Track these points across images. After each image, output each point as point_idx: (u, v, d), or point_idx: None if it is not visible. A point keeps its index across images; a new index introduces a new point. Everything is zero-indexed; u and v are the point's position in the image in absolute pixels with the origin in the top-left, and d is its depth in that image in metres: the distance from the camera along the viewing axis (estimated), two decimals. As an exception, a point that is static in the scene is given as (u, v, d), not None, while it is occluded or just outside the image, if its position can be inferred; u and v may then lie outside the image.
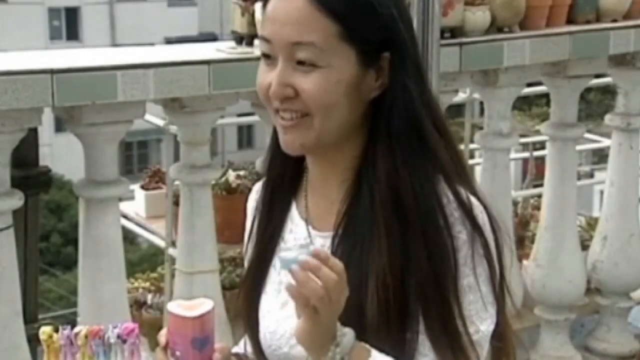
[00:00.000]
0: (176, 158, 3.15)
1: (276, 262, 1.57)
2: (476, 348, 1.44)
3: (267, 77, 1.47)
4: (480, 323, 1.46)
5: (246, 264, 1.66)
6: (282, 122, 1.48)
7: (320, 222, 1.55)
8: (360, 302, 1.43)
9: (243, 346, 1.67)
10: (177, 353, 1.44)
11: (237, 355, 1.62)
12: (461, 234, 1.45)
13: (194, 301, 1.46)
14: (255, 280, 1.58)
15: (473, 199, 1.48)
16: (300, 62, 1.44)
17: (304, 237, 1.56)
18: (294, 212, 1.59)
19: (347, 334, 1.38)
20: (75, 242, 2.96)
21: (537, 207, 4.39)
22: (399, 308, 1.42)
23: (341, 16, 1.43)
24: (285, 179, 1.59)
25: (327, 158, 1.52)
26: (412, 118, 1.47)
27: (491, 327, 1.48)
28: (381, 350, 1.41)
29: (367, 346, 1.41)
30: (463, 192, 1.47)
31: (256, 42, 2.95)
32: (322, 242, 1.53)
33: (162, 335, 1.47)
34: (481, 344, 1.46)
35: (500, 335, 1.52)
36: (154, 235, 4.06)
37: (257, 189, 1.67)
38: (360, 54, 1.46)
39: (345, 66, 1.45)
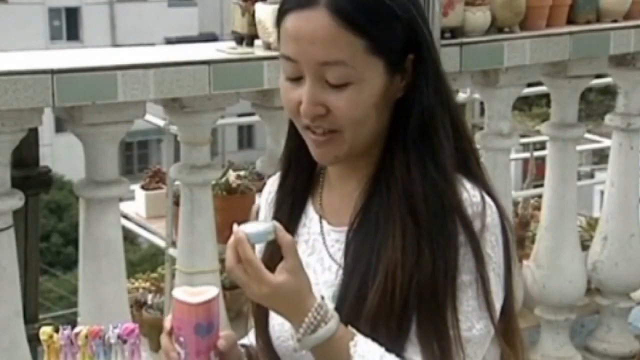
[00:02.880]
0: (176, 158, 3.15)
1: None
2: (466, 345, 1.44)
3: (294, 93, 1.46)
4: (476, 321, 1.45)
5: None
6: (313, 137, 1.48)
7: (336, 217, 1.56)
8: (365, 290, 1.45)
9: (250, 339, 1.67)
10: (181, 339, 1.44)
11: (243, 346, 1.63)
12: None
13: (199, 288, 1.47)
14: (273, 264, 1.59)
15: (487, 198, 1.48)
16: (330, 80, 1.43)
17: (318, 231, 1.57)
18: (309, 208, 1.60)
19: (318, 330, 1.40)
20: (75, 242, 2.96)
21: (538, 208, 4.39)
22: (402, 301, 1.43)
23: (367, 30, 1.42)
24: (302, 176, 1.60)
25: (349, 158, 1.52)
26: (428, 117, 1.47)
27: (490, 327, 1.47)
28: (372, 337, 1.43)
29: (353, 330, 1.42)
30: (477, 191, 1.48)
31: (257, 42, 2.95)
32: (337, 236, 1.54)
33: (167, 321, 1.48)
34: (476, 341, 1.46)
35: (507, 335, 1.53)
36: (154, 236, 4.06)
37: (270, 183, 1.68)
38: (388, 63, 1.45)
39: (375, 78, 1.45)
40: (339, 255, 1.52)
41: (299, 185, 1.60)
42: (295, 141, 1.56)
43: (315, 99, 1.44)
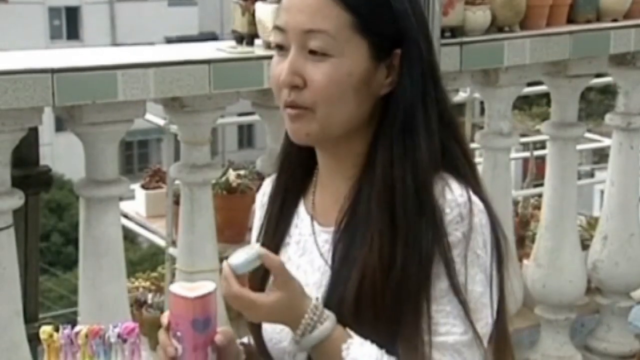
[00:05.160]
0: (176, 157, 3.15)
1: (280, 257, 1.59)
2: (444, 350, 1.43)
3: (280, 67, 1.49)
4: (468, 325, 1.44)
5: None
6: (289, 112, 1.49)
7: (325, 217, 1.56)
8: (345, 296, 1.45)
9: (248, 340, 1.68)
10: (178, 334, 1.44)
11: (243, 344, 1.63)
12: (457, 232, 1.44)
13: (196, 283, 1.47)
14: (260, 275, 1.59)
15: (474, 198, 1.47)
16: (313, 52, 1.45)
17: (309, 232, 1.57)
18: (301, 208, 1.61)
19: (314, 331, 1.42)
20: (75, 242, 2.96)
21: (538, 207, 4.39)
22: (383, 303, 1.43)
23: (355, 6, 1.45)
24: (295, 177, 1.61)
25: (336, 153, 1.53)
26: (410, 115, 1.47)
27: (485, 329, 1.47)
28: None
29: (349, 331, 1.43)
30: (464, 190, 1.47)
31: (257, 41, 2.95)
32: (326, 237, 1.55)
33: (165, 317, 1.48)
34: (471, 345, 1.45)
35: (498, 337, 1.52)
36: (155, 235, 4.06)
37: (265, 185, 1.69)
38: (373, 47, 1.47)
39: (356, 58, 1.46)
40: (328, 256, 1.53)
41: (291, 185, 1.61)
42: (290, 144, 1.57)
43: (295, 68, 1.46)
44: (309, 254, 1.57)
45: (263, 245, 1.58)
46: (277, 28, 1.50)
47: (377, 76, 1.48)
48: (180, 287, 1.45)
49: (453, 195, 1.46)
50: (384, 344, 1.44)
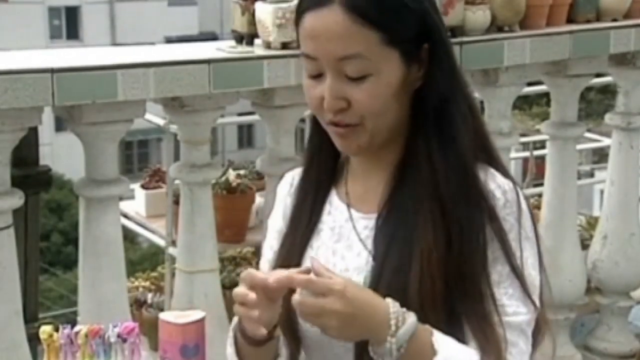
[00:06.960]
0: (176, 157, 3.15)
1: (313, 242, 1.61)
2: (525, 328, 1.49)
3: (317, 90, 1.51)
4: (530, 305, 1.49)
5: (270, 249, 1.69)
6: (336, 130, 1.53)
7: (362, 205, 1.59)
8: (404, 281, 1.47)
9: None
10: None
11: None
12: (509, 216, 1.50)
13: (187, 312, 1.48)
14: (292, 262, 1.59)
15: (514, 185, 1.53)
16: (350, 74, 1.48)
17: (345, 218, 1.60)
18: (334, 197, 1.64)
19: (407, 320, 1.41)
20: (75, 242, 2.96)
21: (538, 207, 4.38)
22: (444, 287, 1.46)
23: (380, 23, 1.47)
24: (326, 168, 1.64)
25: (374, 148, 1.56)
26: (445, 103, 1.52)
27: (533, 309, 1.51)
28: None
29: (428, 327, 1.44)
30: (509, 178, 1.53)
31: (257, 41, 2.95)
32: (366, 223, 1.57)
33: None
34: (532, 324, 1.50)
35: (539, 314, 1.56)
36: (154, 235, 4.06)
37: (291, 176, 1.72)
38: (404, 53, 1.50)
39: (392, 69, 1.49)
40: (369, 242, 1.55)
41: (323, 178, 1.64)
42: (318, 137, 1.61)
43: (337, 93, 1.49)
44: (345, 240, 1.59)
45: (293, 234, 1.62)
46: (307, 56, 1.51)
47: (412, 75, 1.52)
48: (170, 315, 1.47)
49: (500, 181, 1.51)
50: (440, 330, 1.45)
